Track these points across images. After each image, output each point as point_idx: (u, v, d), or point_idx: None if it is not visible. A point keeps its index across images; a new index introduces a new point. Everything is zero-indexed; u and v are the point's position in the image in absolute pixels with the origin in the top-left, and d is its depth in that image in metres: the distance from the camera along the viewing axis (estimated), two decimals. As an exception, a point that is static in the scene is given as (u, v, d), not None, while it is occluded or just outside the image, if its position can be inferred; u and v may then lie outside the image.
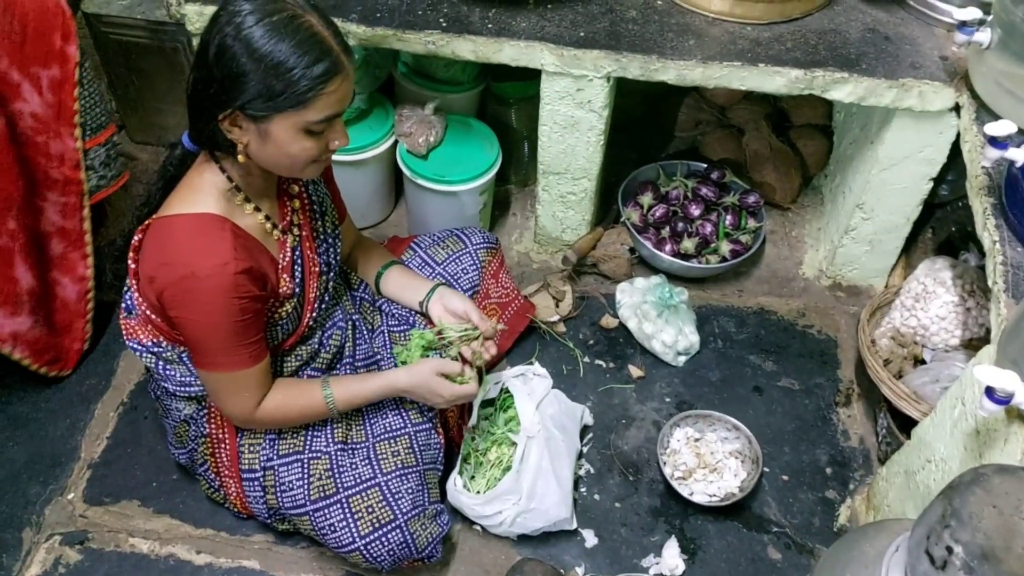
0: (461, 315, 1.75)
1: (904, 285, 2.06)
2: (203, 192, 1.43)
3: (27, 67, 1.80)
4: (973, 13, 1.72)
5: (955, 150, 1.93)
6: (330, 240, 1.69)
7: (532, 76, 2.05)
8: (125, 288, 1.62)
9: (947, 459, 1.52)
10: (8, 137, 1.77)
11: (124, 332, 1.64)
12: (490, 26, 1.95)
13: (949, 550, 0.99)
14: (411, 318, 1.85)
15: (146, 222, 1.48)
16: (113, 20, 2.33)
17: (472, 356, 1.71)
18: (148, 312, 1.55)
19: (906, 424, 1.82)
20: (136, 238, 1.50)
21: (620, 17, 2.00)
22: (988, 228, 1.55)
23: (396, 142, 2.29)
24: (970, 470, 1.07)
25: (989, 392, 1.27)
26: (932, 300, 1.96)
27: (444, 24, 1.95)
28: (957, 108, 1.87)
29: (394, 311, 1.87)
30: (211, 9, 1.94)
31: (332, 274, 1.70)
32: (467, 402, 1.76)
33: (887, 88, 1.88)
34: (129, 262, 1.53)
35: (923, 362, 1.98)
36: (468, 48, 1.95)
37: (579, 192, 2.24)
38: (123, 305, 1.64)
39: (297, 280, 1.59)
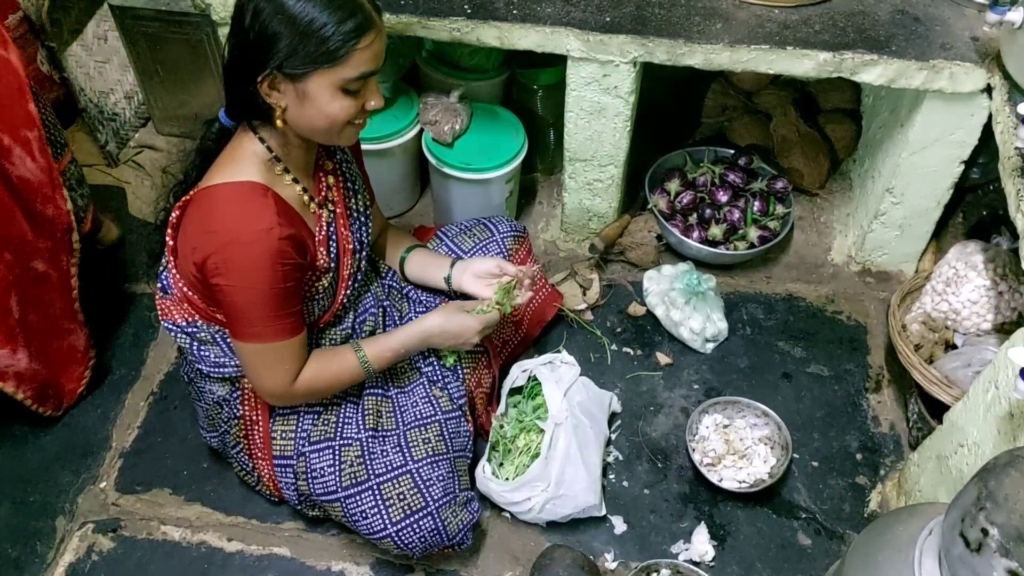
0: (494, 272, 1.77)
1: (935, 269, 2.03)
2: (244, 162, 1.45)
3: (16, 131, 1.76)
4: (1006, -8, 1.70)
5: (987, 132, 1.90)
6: (362, 219, 1.71)
7: (558, 62, 2.04)
8: (161, 268, 1.64)
9: (980, 443, 1.51)
10: (5, 187, 1.74)
11: (159, 312, 1.65)
12: (515, 12, 1.94)
13: (984, 532, 0.98)
14: (437, 305, 1.85)
15: (183, 199, 1.50)
16: (139, 12, 2.35)
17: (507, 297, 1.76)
18: (185, 289, 1.56)
19: (937, 409, 1.80)
20: (174, 215, 1.52)
21: (646, 1, 1.98)
22: (1021, 210, 1.53)
23: (421, 131, 2.29)
24: (1005, 452, 1.06)
25: (1023, 374, 1.26)
26: (963, 284, 1.93)
27: (469, 10, 1.95)
28: (989, 89, 1.84)
29: (421, 298, 1.88)
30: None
31: (364, 253, 1.71)
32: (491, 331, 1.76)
33: (917, 70, 1.85)
34: (167, 239, 1.55)
35: (954, 347, 1.96)
36: (493, 34, 1.94)
37: (606, 179, 2.23)
38: (159, 285, 1.65)
39: (332, 255, 1.61)
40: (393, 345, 1.66)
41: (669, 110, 2.73)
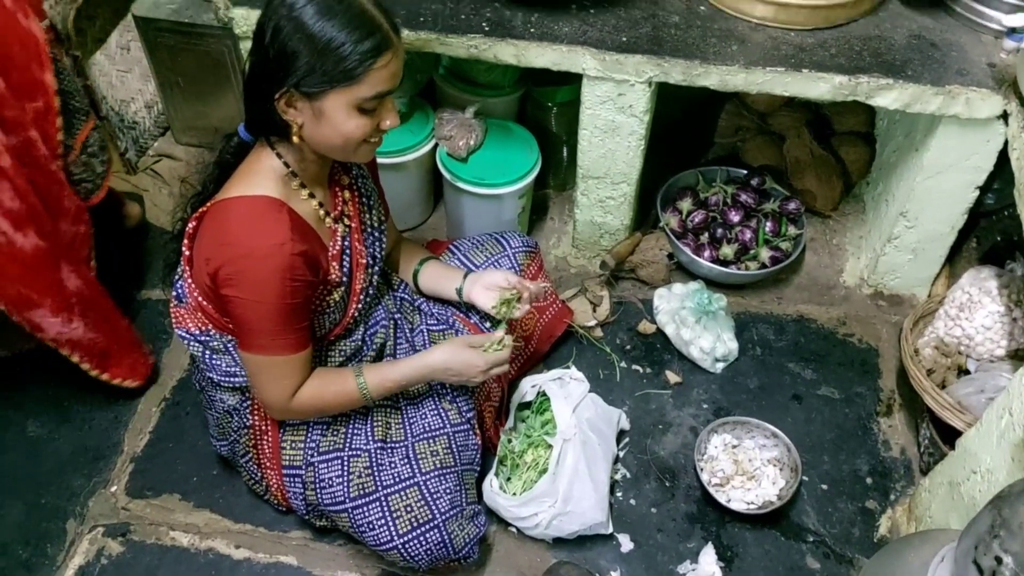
0: (504, 285, 1.78)
1: (948, 294, 2.03)
2: (261, 176, 1.47)
3: (22, 101, 1.76)
4: (1023, 20, 1.70)
5: (1002, 158, 1.90)
6: (376, 234, 1.72)
7: (573, 80, 2.05)
8: (176, 276, 1.65)
9: (993, 470, 1.50)
10: (19, 161, 1.73)
11: (173, 320, 1.67)
12: (532, 30, 1.96)
13: (998, 560, 0.98)
14: (450, 318, 1.86)
15: (200, 209, 1.52)
16: (161, 24, 2.38)
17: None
18: (199, 299, 1.58)
19: (949, 435, 1.79)
20: (190, 225, 1.54)
21: (662, 22, 1.99)
22: (1037, 236, 1.53)
23: (436, 145, 2.30)
24: (1020, 480, 1.05)
25: (1038, 402, 1.25)
26: (977, 310, 1.93)
27: (487, 28, 1.96)
28: (1005, 116, 1.85)
29: (433, 311, 1.89)
30: (257, 12, 1.98)
31: (377, 267, 1.73)
32: (502, 372, 1.73)
33: (933, 95, 1.86)
34: (183, 249, 1.57)
35: (967, 372, 1.95)
36: (510, 52, 1.96)
37: (618, 197, 2.24)
38: (173, 293, 1.67)
39: (345, 270, 1.62)
40: (395, 376, 1.65)
41: (682, 129, 2.74)
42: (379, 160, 2.10)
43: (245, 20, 2.01)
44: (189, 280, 1.59)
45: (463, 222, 2.35)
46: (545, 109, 2.41)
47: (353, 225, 1.65)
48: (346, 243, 1.62)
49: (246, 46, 2.06)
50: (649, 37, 1.95)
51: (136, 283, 2.35)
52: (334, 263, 1.59)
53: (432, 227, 2.54)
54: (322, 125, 1.41)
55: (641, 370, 2.18)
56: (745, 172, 2.47)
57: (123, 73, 2.62)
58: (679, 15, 2.02)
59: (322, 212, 1.56)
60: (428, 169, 2.41)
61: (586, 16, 2.00)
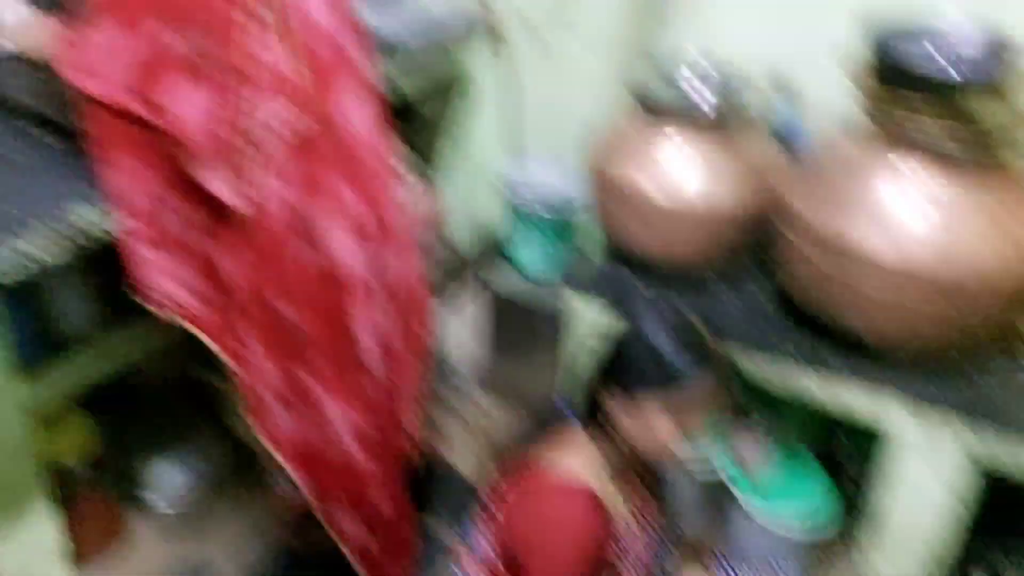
0: None
1: None
2: (577, 459, 1.57)
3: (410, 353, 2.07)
4: None
5: None
6: (670, 544, 1.75)
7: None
8: (471, 525, 1.74)
9: None
10: (392, 406, 2.02)
11: (458, 566, 1.74)
12: (840, 368, 1.94)
13: None
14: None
15: (510, 471, 1.63)
16: (505, 297, 2.69)
17: None
18: (491, 555, 1.65)
19: None
20: (498, 482, 1.66)
21: (993, 395, 1.89)
22: None
23: (725, 455, 2.32)
24: None
25: None
26: None
27: (793, 355, 1.98)
28: None
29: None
30: (592, 306, 2.19)
31: (658, 571, 1.74)
32: None
33: None
34: (485, 500, 1.68)
35: None
36: (814, 384, 1.95)
37: (915, 564, 2.03)
38: (466, 541, 1.75)
39: (629, 566, 1.64)
40: None
41: (988, 496, 2.49)
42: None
43: (578, 306, 2.22)
44: (485, 535, 1.68)
45: (740, 539, 2.30)
46: (845, 446, 2.36)
47: (651, 530, 1.70)
48: (641, 546, 1.66)
49: (575, 332, 2.27)
50: (973, 407, 1.84)
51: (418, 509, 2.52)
52: (624, 559, 1.63)
53: (706, 538, 2.48)
54: (637, 425, 1.51)
55: None
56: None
57: (450, 319, 2.96)
58: (1013, 394, 1.90)
59: (625, 509, 1.63)
60: (713, 478, 2.42)
61: (903, 369, 1.94)
